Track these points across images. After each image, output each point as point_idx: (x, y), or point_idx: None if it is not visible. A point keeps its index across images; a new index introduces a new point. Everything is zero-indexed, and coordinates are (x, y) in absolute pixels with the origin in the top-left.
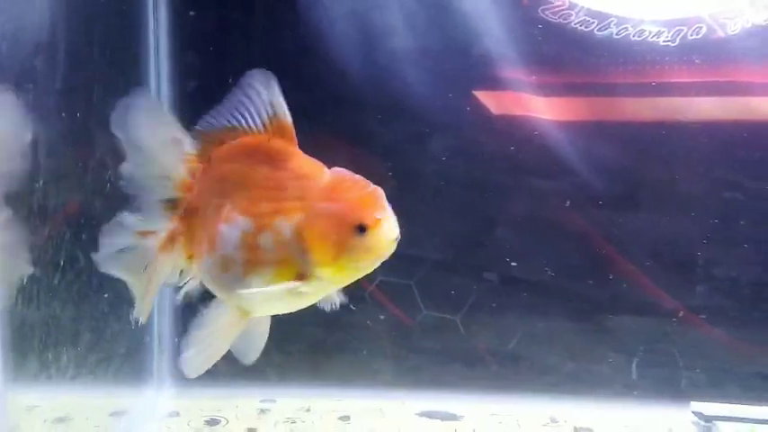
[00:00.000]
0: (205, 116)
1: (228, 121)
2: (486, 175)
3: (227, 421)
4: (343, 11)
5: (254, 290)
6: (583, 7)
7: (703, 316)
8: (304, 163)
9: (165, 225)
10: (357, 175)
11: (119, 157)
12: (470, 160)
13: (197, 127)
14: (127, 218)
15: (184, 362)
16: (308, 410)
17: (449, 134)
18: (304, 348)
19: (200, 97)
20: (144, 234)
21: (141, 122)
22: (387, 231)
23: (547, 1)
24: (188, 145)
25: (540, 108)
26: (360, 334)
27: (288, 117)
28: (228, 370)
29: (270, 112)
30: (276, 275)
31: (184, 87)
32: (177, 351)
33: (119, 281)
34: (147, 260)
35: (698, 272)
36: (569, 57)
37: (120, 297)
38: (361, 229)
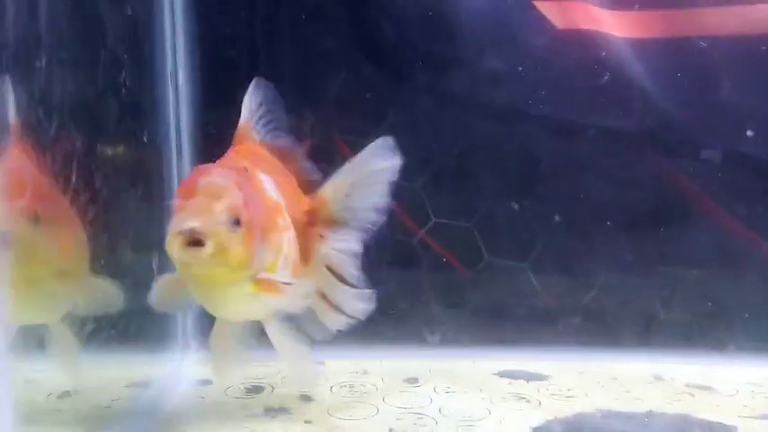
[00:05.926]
0: None
1: None
2: (549, 98)
3: (273, 388)
4: None
5: None
6: None
7: None
8: None
9: None
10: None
11: None
12: (532, 81)
13: None
14: None
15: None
16: (365, 373)
17: (507, 51)
18: None
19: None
20: None
21: None
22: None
23: None
24: None
25: (610, 23)
26: (410, 288)
27: None
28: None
29: None
30: None
31: None
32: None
33: None
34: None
35: None
36: None
37: None
38: None
